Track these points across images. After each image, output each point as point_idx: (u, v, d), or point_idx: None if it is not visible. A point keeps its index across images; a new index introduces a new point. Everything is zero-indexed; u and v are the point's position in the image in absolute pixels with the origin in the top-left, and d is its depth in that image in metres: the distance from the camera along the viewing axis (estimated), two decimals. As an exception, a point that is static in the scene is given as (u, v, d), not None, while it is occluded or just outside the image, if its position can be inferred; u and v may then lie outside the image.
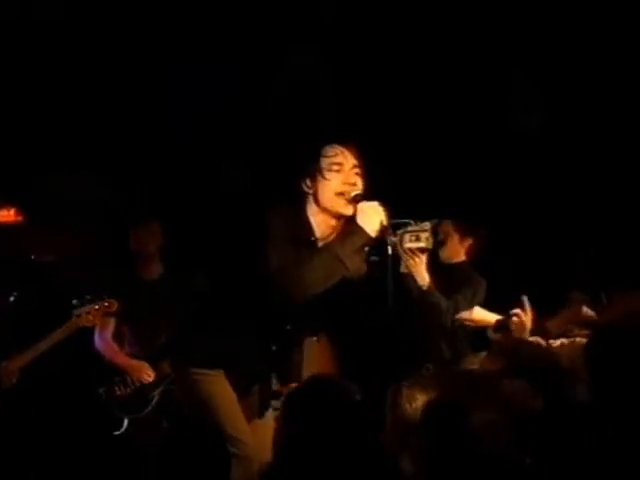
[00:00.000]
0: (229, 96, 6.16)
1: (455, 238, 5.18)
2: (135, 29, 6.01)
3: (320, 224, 3.78)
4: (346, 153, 3.75)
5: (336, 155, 3.73)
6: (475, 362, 4.52)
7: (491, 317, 4.55)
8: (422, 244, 4.17)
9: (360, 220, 3.69)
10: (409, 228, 4.13)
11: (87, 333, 5.32)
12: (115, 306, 5.11)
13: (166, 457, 5.20)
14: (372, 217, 3.70)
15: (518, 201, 5.98)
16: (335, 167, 3.72)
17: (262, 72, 6.17)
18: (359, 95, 6.07)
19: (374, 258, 3.99)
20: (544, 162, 5.96)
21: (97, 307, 5.03)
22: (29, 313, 5.44)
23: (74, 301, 5.00)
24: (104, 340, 5.42)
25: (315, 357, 4.96)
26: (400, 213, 3.97)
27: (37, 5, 5.87)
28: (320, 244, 3.78)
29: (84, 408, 5.54)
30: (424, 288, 4.54)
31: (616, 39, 5.63)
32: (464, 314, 4.58)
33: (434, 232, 4.25)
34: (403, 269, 4.38)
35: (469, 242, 5.20)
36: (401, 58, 5.98)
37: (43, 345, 4.90)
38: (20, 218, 6.20)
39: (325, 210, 3.75)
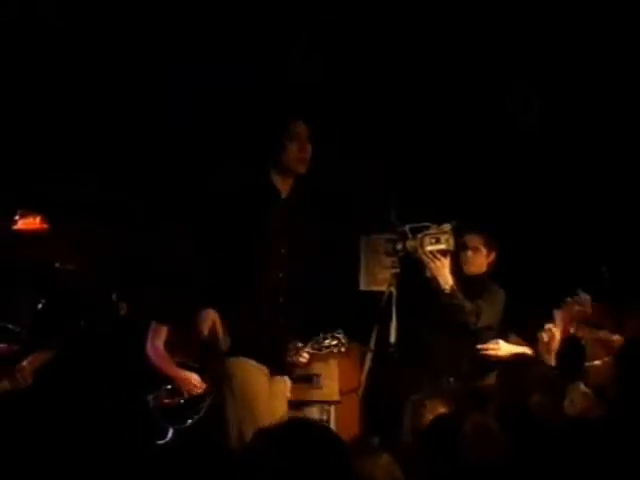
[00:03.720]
0: (232, 96, 6.16)
1: (483, 252, 5.08)
2: (139, 30, 5.99)
3: (280, 182, 4.22)
4: (302, 125, 4.25)
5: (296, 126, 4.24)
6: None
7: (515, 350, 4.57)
8: (442, 246, 4.24)
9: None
10: (428, 231, 4.18)
11: (139, 340, 5.37)
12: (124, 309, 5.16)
13: (209, 469, 5.05)
14: None
15: (531, 208, 5.97)
16: (291, 136, 4.22)
17: (263, 73, 6.17)
18: (359, 97, 6.09)
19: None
20: (548, 162, 5.97)
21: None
22: (54, 319, 5.42)
23: (113, 296, 5.03)
24: (156, 348, 5.40)
25: (337, 368, 5.02)
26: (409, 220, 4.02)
27: (40, 4, 5.85)
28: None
29: (130, 415, 5.47)
30: (447, 291, 4.58)
31: (614, 36, 5.66)
32: (490, 345, 4.57)
33: (454, 233, 4.29)
34: (427, 273, 4.44)
35: (493, 255, 5.13)
36: (402, 61, 6.00)
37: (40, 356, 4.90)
38: (45, 226, 6.16)
39: (286, 170, 4.20)
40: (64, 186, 6.19)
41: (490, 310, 4.83)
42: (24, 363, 4.90)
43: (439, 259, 4.38)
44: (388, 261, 4.53)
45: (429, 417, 3.26)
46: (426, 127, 6.11)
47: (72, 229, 6.21)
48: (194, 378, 5.28)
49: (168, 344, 5.42)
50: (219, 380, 4.14)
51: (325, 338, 4.47)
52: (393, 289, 4.36)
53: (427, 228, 4.32)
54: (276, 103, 6.18)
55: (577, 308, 4.48)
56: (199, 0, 6.02)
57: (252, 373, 4.04)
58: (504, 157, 6.03)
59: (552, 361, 4.37)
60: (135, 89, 6.22)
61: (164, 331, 5.41)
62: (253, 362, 4.06)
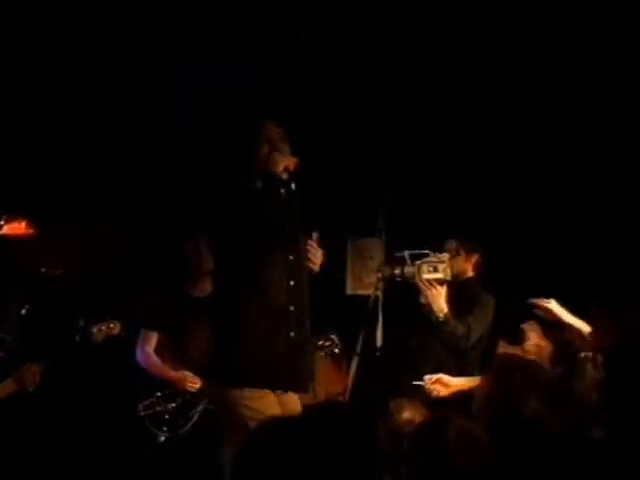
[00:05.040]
0: (232, 96, 6.15)
1: (462, 255, 5.00)
2: (139, 30, 6.00)
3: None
4: (273, 126, 4.10)
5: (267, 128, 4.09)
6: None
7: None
8: (440, 275, 4.27)
9: (271, 166, 3.95)
10: (427, 259, 4.19)
11: (129, 347, 5.32)
12: (117, 328, 5.05)
13: (200, 476, 5.02)
14: (279, 162, 3.95)
15: (521, 212, 5.94)
16: (262, 137, 4.05)
17: (263, 73, 6.16)
18: (358, 98, 6.08)
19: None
20: (547, 167, 5.94)
21: (102, 328, 5.01)
22: (41, 325, 5.43)
23: (80, 321, 4.98)
24: (146, 354, 5.35)
25: (322, 372, 4.98)
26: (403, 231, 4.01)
27: (40, 4, 5.87)
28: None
29: (121, 423, 5.47)
30: (441, 319, 4.56)
31: (613, 37, 5.62)
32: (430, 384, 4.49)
33: (451, 263, 4.29)
34: (422, 300, 4.43)
35: (475, 258, 5.05)
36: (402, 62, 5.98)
37: (47, 361, 4.88)
38: (31, 231, 6.16)
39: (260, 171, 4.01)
40: (58, 187, 6.21)
41: (480, 326, 4.78)
42: (33, 365, 4.87)
43: (435, 287, 4.40)
44: (374, 265, 4.51)
45: (394, 417, 3.24)
46: (421, 131, 6.09)
47: (63, 234, 6.21)
48: (189, 375, 5.20)
49: (159, 353, 5.35)
50: (223, 407, 4.04)
51: (319, 339, 4.45)
52: (379, 293, 4.34)
53: (426, 255, 4.32)
54: (276, 103, 6.18)
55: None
56: (199, 0, 6.02)
57: (262, 410, 3.81)
58: (497, 164, 6.01)
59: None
60: (135, 89, 6.23)
61: (154, 337, 5.36)
62: (264, 393, 3.87)
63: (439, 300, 4.55)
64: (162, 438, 5.17)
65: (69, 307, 5.61)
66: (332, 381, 5.16)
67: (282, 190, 3.92)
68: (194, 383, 5.18)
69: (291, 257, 3.96)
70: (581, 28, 5.64)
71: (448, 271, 4.36)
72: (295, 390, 3.96)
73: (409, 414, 3.79)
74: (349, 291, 6.50)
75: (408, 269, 4.47)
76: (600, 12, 5.57)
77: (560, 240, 5.81)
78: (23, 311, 5.18)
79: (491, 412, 3.23)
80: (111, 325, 5.02)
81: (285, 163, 3.93)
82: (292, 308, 3.94)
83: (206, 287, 5.32)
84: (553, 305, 4.55)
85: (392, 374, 4.59)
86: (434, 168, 6.10)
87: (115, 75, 6.17)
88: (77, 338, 4.90)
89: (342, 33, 6.04)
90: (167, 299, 5.41)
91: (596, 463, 2.86)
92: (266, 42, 6.07)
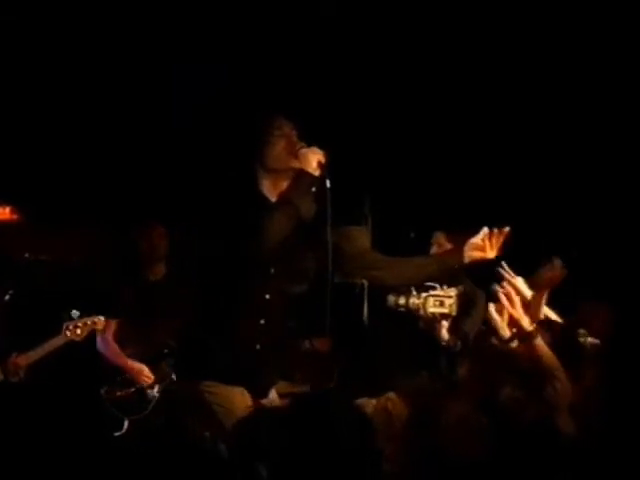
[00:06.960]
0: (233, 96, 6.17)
1: (448, 247, 4.90)
2: (139, 30, 6.03)
3: (270, 188, 3.82)
4: (283, 120, 3.81)
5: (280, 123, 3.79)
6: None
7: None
8: (445, 310, 4.21)
9: (302, 164, 3.71)
10: (434, 292, 4.15)
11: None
12: (102, 323, 5.24)
13: (164, 457, 5.06)
14: (311, 158, 3.70)
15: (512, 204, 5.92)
16: (277, 132, 3.76)
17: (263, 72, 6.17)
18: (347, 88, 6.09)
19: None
20: (540, 159, 5.93)
21: (86, 322, 5.14)
22: (24, 312, 5.48)
23: (64, 315, 5.05)
24: (105, 341, 5.50)
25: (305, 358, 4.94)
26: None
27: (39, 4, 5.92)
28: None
29: (85, 409, 5.54)
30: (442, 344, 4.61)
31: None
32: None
33: (459, 299, 4.23)
34: (421, 325, 4.40)
35: None
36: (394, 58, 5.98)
37: (34, 354, 4.98)
38: (15, 216, 6.22)
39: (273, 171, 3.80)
40: (56, 186, 6.25)
41: (476, 325, 4.74)
42: (19, 357, 4.94)
43: (439, 322, 4.37)
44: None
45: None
46: (412, 121, 6.08)
47: (59, 232, 6.25)
48: (145, 370, 5.37)
49: (118, 337, 5.50)
50: (190, 394, 4.00)
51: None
52: (365, 281, 4.30)
53: (433, 288, 4.26)
54: (274, 103, 6.18)
55: (549, 274, 4.28)
56: (199, 0, 6.05)
57: (228, 397, 3.78)
58: (488, 156, 6.01)
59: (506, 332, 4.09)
60: (135, 89, 6.26)
61: (112, 324, 5.50)
62: (229, 387, 3.80)
63: (442, 331, 4.59)
64: (126, 422, 5.31)
65: (54, 295, 5.66)
66: (318, 368, 5.11)
67: (313, 189, 3.73)
68: (148, 378, 5.37)
69: (272, 270, 3.83)
70: (580, 28, 5.64)
71: (454, 307, 4.30)
72: (250, 392, 3.86)
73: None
74: (336, 279, 6.46)
75: (413, 300, 4.40)
76: (599, 12, 5.57)
77: (553, 233, 5.78)
78: (7, 297, 5.22)
79: (472, 395, 3.19)
80: (95, 320, 5.14)
81: (317, 157, 3.70)
82: (262, 322, 3.84)
83: (160, 271, 5.57)
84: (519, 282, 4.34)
85: (381, 363, 4.55)
86: (423, 158, 6.10)
87: (115, 75, 6.19)
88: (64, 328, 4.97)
89: (340, 31, 6.05)
90: (122, 285, 5.55)
91: (565, 455, 2.82)
92: (266, 42, 6.09)
